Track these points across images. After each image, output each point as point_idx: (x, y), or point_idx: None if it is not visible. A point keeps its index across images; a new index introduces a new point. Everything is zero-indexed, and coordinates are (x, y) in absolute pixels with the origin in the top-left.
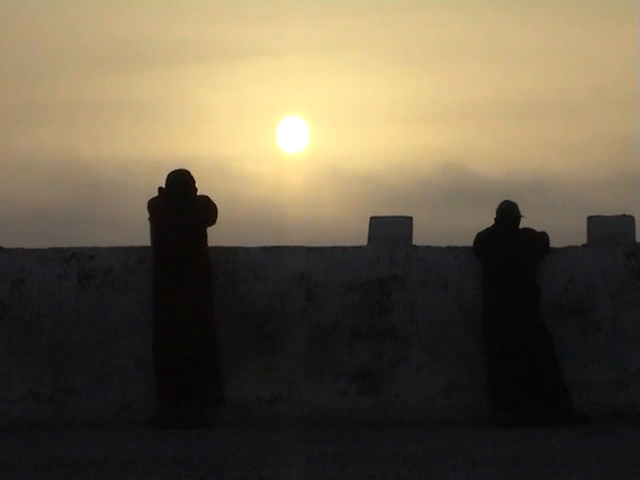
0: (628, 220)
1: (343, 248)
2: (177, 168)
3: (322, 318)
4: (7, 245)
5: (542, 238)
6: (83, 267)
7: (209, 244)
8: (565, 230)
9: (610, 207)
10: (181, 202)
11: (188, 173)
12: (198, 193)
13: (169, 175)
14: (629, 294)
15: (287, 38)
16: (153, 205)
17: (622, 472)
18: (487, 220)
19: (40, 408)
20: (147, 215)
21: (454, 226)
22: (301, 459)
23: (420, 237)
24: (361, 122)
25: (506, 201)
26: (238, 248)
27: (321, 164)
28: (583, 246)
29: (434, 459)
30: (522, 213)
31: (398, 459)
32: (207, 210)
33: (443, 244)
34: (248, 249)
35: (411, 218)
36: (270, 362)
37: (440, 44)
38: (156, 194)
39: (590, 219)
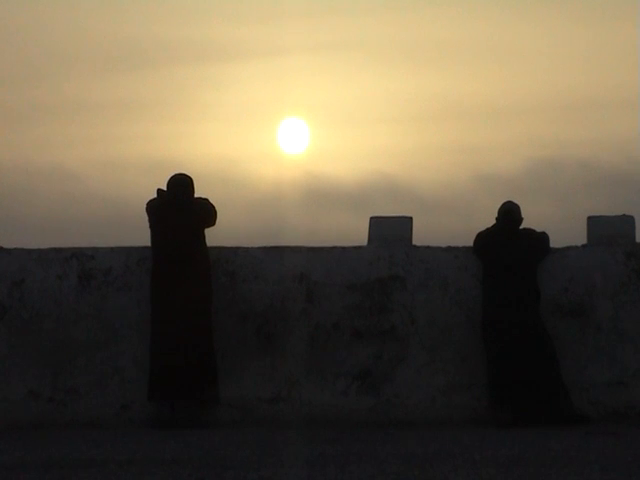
0: (628, 220)
1: (343, 248)
2: (178, 172)
3: (322, 318)
4: (7, 245)
5: (542, 238)
6: (83, 267)
7: (208, 245)
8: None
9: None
10: (180, 204)
11: (188, 177)
12: (197, 195)
13: (170, 179)
14: (629, 294)
15: (287, 38)
16: (152, 207)
17: (622, 472)
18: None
19: (40, 408)
20: (146, 216)
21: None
22: (301, 459)
23: (422, 237)
24: (361, 123)
25: (507, 202)
26: (238, 248)
27: (321, 165)
28: (583, 246)
29: (434, 459)
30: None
31: (398, 459)
32: (206, 212)
33: (443, 244)
34: (248, 249)
35: (411, 218)
36: (270, 362)
37: (441, 44)
38: (155, 196)
39: (590, 219)
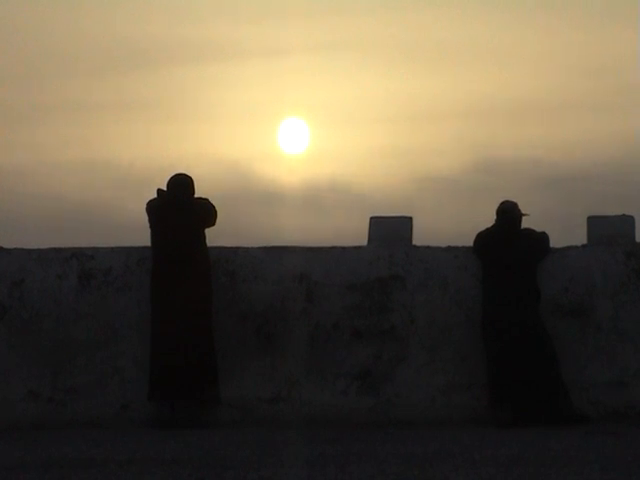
0: (628, 220)
1: (343, 248)
2: (178, 172)
3: (322, 318)
4: (7, 245)
5: (542, 238)
6: (83, 267)
7: (208, 245)
8: None
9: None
10: (180, 204)
11: (188, 177)
12: (197, 195)
13: (170, 178)
14: (629, 294)
15: (287, 38)
16: (152, 207)
17: (622, 472)
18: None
19: (40, 408)
20: (146, 216)
21: (453, 226)
22: (301, 459)
23: (421, 236)
24: (362, 123)
25: (506, 201)
26: (238, 248)
27: (321, 165)
28: (583, 246)
29: (434, 459)
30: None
31: (398, 459)
32: (206, 212)
33: (443, 244)
34: (248, 249)
35: (411, 218)
36: (270, 362)
37: (441, 44)
38: (155, 196)
39: (590, 219)
